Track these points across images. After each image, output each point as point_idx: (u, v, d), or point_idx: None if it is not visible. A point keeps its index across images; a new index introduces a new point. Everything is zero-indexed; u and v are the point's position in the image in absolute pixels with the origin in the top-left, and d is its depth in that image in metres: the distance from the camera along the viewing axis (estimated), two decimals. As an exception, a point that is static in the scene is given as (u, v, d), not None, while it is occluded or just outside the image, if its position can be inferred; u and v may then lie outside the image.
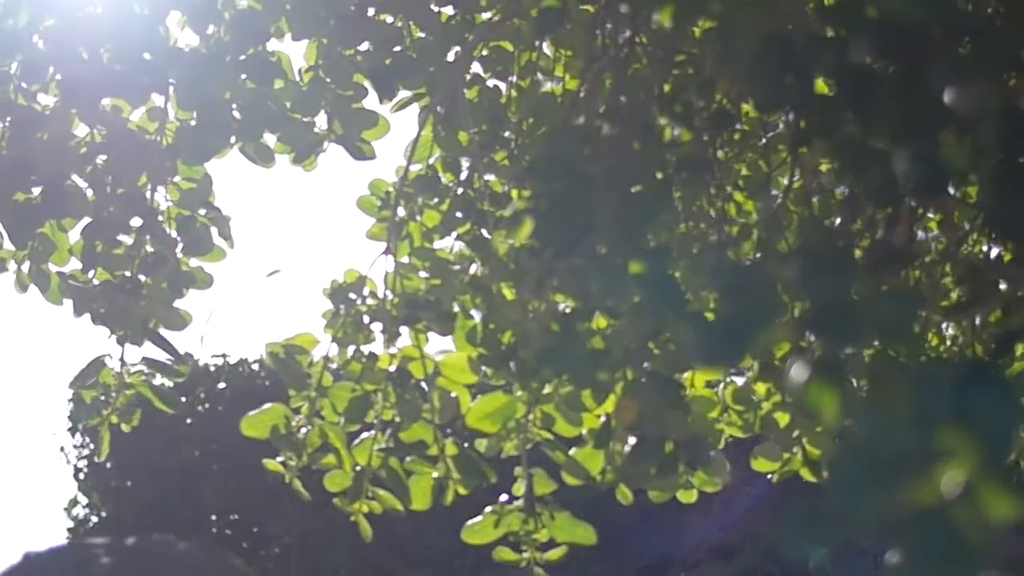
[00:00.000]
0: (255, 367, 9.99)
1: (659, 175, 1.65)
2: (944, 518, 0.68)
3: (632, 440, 1.76)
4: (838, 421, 0.89)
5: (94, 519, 10.10)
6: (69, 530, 10.14)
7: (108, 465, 9.79)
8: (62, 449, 10.17)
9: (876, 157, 1.15)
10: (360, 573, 9.41)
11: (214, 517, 9.87)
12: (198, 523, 9.54)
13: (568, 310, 1.74)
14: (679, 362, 1.82)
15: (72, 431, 10.02)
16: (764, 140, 2.17)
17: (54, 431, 12.21)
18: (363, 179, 2.33)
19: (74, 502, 10.22)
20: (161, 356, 2.21)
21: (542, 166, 1.50)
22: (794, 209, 2.16)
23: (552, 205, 1.45)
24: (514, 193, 2.14)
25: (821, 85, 1.23)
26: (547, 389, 2.04)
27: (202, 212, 2.22)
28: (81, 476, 10.12)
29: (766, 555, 9.04)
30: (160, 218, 2.18)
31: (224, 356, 9.98)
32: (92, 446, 9.98)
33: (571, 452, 2.04)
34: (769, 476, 2.38)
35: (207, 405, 9.70)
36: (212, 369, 9.83)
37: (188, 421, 9.45)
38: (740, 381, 2.34)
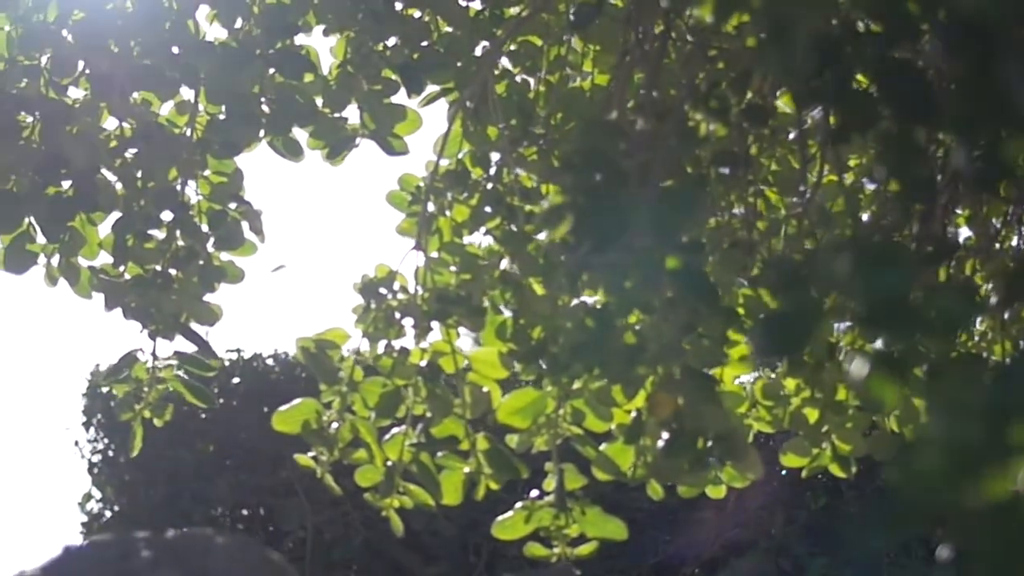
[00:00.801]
0: (269, 362, 9.98)
1: (694, 170, 1.64)
2: (1018, 512, 0.68)
3: (665, 435, 1.75)
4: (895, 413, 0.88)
5: (108, 513, 10.11)
6: (83, 524, 10.16)
7: (121, 459, 9.81)
8: (76, 443, 10.18)
9: (917, 152, 1.15)
10: (374, 567, 9.41)
11: (228, 511, 9.88)
12: (212, 517, 9.55)
13: (599, 305, 1.74)
14: (712, 357, 1.81)
15: (86, 425, 10.02)
16: (793, 135, 2.16)
17: (68, 425, 12.21)
18: (392, 174, 2.32)
19: (88, 496, 10.22)
20: (191, 350, 2.21)
21: (578, 160, 1.49)
22: (820, 204, 2.15)
23: (589, 200, 1.44)
24: (544, 188, 2.14)
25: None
26: (577, 384, 2.04)
27: (233, 206, 2.22)
28: (95, 471, 10.12)
29: (779, 551, 9.02)
30: (191, 212, 2.18)
31: (238, 351, 9.97)
32: (106, 441, 9.99)
33: (601, 447, 2.03)
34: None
35: (221, 400, 9.69)
36: (226, 364, 9.83)
37: (202, 416, 9.44)
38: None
